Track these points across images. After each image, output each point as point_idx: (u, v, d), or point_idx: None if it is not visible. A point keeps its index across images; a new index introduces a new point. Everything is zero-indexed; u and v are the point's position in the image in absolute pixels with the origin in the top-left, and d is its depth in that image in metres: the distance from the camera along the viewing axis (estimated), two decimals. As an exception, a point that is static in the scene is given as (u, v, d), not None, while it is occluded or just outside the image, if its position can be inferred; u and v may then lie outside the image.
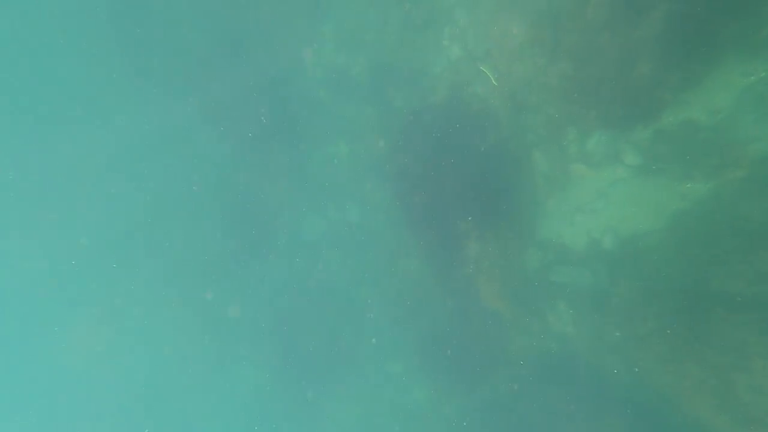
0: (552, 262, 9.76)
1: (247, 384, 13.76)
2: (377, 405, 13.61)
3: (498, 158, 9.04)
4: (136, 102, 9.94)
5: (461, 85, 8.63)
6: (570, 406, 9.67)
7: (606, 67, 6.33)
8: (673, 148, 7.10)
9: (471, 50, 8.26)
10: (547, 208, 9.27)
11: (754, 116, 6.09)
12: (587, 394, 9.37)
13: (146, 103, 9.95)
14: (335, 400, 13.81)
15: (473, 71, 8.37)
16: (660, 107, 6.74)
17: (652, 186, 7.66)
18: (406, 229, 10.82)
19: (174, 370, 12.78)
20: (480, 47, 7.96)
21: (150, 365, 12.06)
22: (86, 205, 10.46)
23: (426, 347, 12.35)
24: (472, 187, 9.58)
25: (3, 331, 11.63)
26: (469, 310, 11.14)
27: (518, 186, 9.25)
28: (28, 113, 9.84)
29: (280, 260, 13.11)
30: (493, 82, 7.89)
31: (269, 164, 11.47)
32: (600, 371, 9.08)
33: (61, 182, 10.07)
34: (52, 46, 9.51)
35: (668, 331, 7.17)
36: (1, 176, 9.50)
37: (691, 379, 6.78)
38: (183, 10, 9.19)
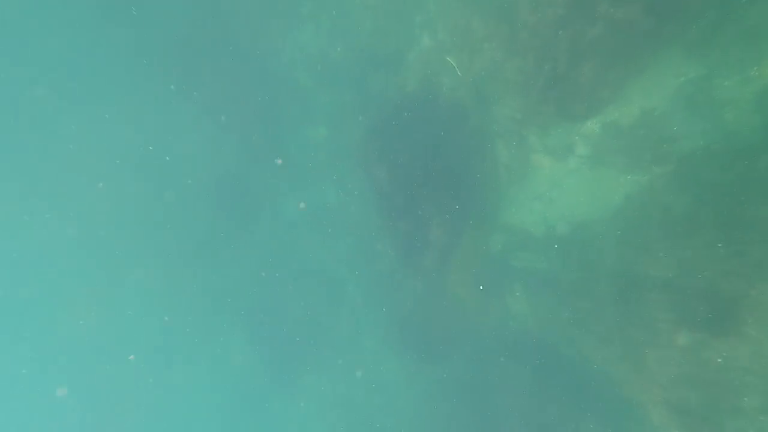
0: (513, 248, 10.41)
1: (228, 358, 14.44)
2: (352, 378, 14.43)
3: (464, 147, 9.54)
4: (117, 83, 10.22)
5: (430, 74, 9.05)
6: (523, 378, 10.50)
7: (555, 64, 6.80)
8: (617, 143, 7.66)
9: (439, 40, 8.66)
10: (509, 195, 9.85)
11: (683, 115, 6.64)
12: (539, 368, 10.19)
13: (128, 84, 10.24)
14: (312, 373, 14.60)
15: (441, 61, 8.78)
16: (604, 104, 7.26)
17: (599, 177, 8.24)
18: (378, 212, 11.37)
19: (157, 344, 13.38)
20: (446, 38, 8.36)
21: (135, 340, 12.68)
22: (67, 191, 10.84)
23: (397, 324, 13.09)
24: (440, 174, 10.09)
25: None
26: (437, 290, 11.82)
27: (483, 174, 9.79)
28: (18, 109, 10.06)
29: (261, 240, 13.64)
30: (458, 73, 8.32)
31: (249, 146, 11.87)
32: (550, 348, 9.86)
33: (42, 172, 10.40)
34: (36, 39, 9.67)
35: (603, 312, 7.88)
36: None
37: (618, 352, 7.53)
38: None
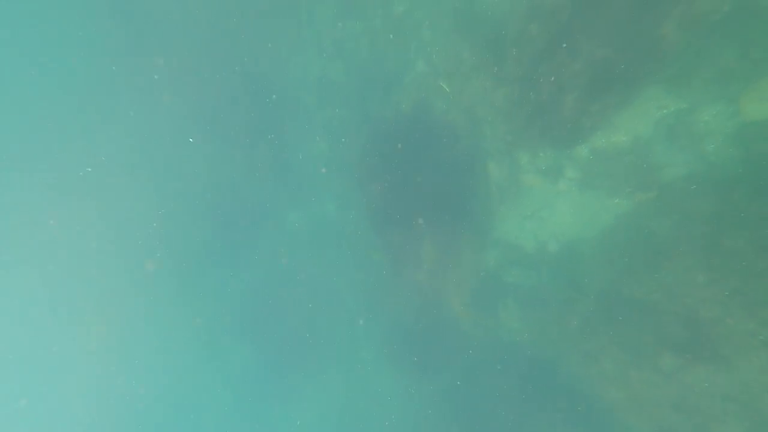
0: (506, 263, 10.67)
1: (234, 367, 14.82)
2: (349, 387, 14.72)
3: (457, 165, 9.84)
4: (127, 103, 10.71)
5: (425, 96, 9.38)
6: (515, 391, 10.73)
7: (540, 95, 7.10)
8: (604, 167, 7.91)
9: (434, 65, 9.00)
10: (501, 213, 10.12)
11: (666, 145, 6.89)
12: (530, 381, 10.41)
13: (137, 104, 10.72)
14: (311, 381, 14.93)
15: (435, 84, 9.11)
16: (591, 130, 7.53)
17: (588, 199, 8.49)
18: (376, 226, 11.70)
19: (165, 356, 13.80)
20: (440, 64, 8.69)
21: (142, 352, 13.11)
22: (77, 207, 11.31)
23: (394, 335, 13.39)
24: (436, 191, 10.39)
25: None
26: (432, 303, 12.10)
27: (476, 192, 10.07)
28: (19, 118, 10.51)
29: (263, 251, 14.04)
30: (451, 97, 8.64)
31: (254, 160, 12.29)
32: (540, 363, 10.08)
33: (52, 183, 10.86)
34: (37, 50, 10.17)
35: (590, 330, 8.11)
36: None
37: (604, 371, 7.76)
38: (172, 14, 9.86)
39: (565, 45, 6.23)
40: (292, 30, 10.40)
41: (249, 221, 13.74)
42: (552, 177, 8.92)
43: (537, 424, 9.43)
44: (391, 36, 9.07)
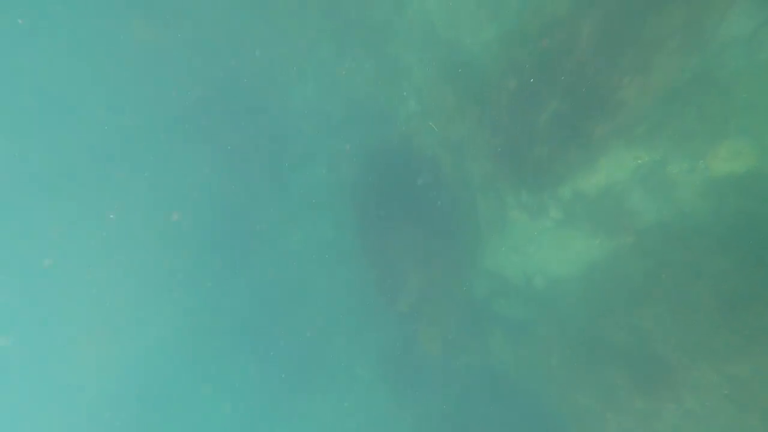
0: (495, 294, 10.90)
1: (230, 384, 15.29)
2: (345, 407, 15.00)
3: (447, 197, 10.18)
4: (135, 134, 11.46)
5: (416, 132, 9.80)
6: (502, 417, 10.88)
7: (519, 140, 7.43)
8: (585, 209, 8.15)
9: (424, 104, 9.43)
10: (490, 245, 10.39)
11: (641, 192, 7.12)
12: (516, 409, 10.56)
13: (145, 131, 11.47)
14: (308, 401, 15.27)
15: (425, 122, 9.53)
16: (570, 175, 7.80)
17: (570, 239, 8.71)
18: (369, 250, 12.09)
19: (161, 369, 14.33)
20: (429, 103, 9.12)
21: (141, 365, 13.68)
22: (84, 222, 12.01)
23: (388, 357, 13.67)
24: (426, 219, 10.75)
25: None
26: (424, 327, 12.36)
27: (465, 223, 10.38)
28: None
29: (264, 269, 14.56)
30: (440, 136, 9.03)
31: (257, 185, 12.90)
32: (526, 391, 10.23)
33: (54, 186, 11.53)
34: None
35: (568, 367, 8.28)
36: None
37: (581, 409, 7.90)
38: (180, 46, 10.60)
39: (537, 99, 6.58)
40: (295, 66, 11.00)
41: (251, 241, 14.30)
42: (536, 215, 9.17)
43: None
44: (385, 76, 9.56)
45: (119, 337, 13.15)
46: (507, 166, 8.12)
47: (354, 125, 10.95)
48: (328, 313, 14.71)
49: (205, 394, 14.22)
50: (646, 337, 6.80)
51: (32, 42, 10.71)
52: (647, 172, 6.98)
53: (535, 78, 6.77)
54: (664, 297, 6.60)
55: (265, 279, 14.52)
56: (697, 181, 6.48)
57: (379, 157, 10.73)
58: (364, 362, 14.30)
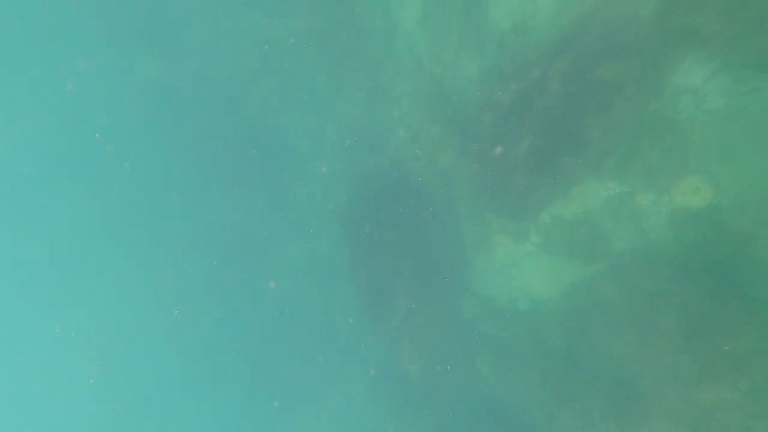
0: (482, 315, 11.18)
1: (225, 396, 15.49)
2: (338, 424, 15.11)
3: (434, 219, 10.61)
4: (143, 151, 12.13)
5: (405, 158, 10.32)
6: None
7: (500, 169, 7.89)
8: (563, 235, 8.53)
9: (413, 132, 9.97)
10: (476, 267, 10.74)
11: (613, 221, 7.51)
12: (500, 427, 10.69)
13: (154, 152, 12.13)
14: (302, 414, 15.39)
15: (414, 148, 10.05)
16: (548, 202, 8.22)
17: (550, 263, 9.06)
18: (362, 271, 12.47)
19: (159, 381, 14.59)
20: (417, 132, 9.66)
21: (140, 374, 13.98)
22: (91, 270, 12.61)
23: (375, 377, 13.85)
24: (414, 239, 11.16)
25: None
26: (414, 348, 12.60)
27: (451, 244, 10.77)
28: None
29: (264, 284, 14.95)
30: (427, 163, 9.52)
31: (257, 203, 13.46)
32: (510, 413, 10.38)
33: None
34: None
35: (548, 389, 8.50)
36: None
37: (559, 428, 8.09)
38: (185, 79, 11.35)
39: (514, 133, 7.07)
40: (293, 92, 11.66)
41: (251, 255, 14.74)
42: (519, 239, 9.55)
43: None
44: (376, 105, 10.15)
45: (116, 348, 13.47)
46: (490, 193, 8.56)
47: (347, 150, 11.51)
48: (320, 331, 14.99)
49: (193, 413, 14.41)
50: (618, 362, 7.07)
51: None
52: (618, 203, 7.39)
53: (511, 113, 7.28)
54: (634, 323, 6.90)
55: (266, 293, 14.89)
56: (663, 213, 6.88)
57: (371, 181, 11.22)
58: (354, 381, 14.47)
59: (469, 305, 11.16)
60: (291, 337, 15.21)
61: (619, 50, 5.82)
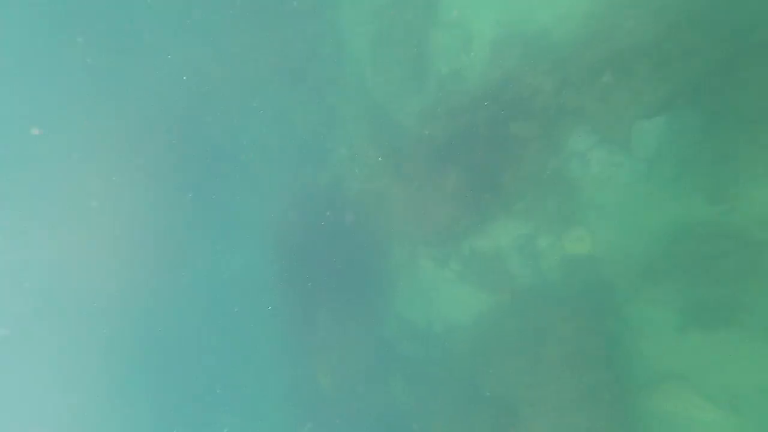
0: (401, 336, 11.56)
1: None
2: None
3: (366, 238, 10.96)
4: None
5: (344, 176, 10.63)
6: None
7: (429, 198, 8.49)
8: (478, 266, 9.29)
9: (353, 152, 10.32)
10: (398, 288, 11.18)
11: (518, 258, 8.38)
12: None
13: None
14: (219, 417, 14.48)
15: (354, 168, 10.40)
16: (467, 234, 8.95)
17: (463, 290, 9.76)
18: (288, 284, 12.41)
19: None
20: (357, 153, 10.03)
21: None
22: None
23: (292, 391, 13.61)
24: (344, 261, 11.39)
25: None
26: (330, 363, 12.57)
27: (379, 265, 11.15)
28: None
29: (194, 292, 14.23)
30: (364, 182, 9.90)
31: (191, 209, 13.06)
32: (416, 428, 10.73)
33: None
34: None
35: (459, 415, 8.99)
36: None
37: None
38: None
39: (442, 168, 7.71)
40: (242, 98, 11.52)
41: (181, 266, 14.05)
42: (441, 264, 10.19)
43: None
44: (322, 123, 10.39)
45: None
46: (419, 218, 9.10)
47: (289, 162, 11.54)
48: (244, 340, 14.42)
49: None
50: (509, 388, 7.76)
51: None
52: (523, 242, 8.29)
53: (442, 149, 7.92)
54: (525, 353, 7.68)
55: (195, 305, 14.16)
56: (557, 256, 7.86)
57: (309, 195, 11.31)
58: (270, 394, 14.02)
59: (390, 325, 11.50)
60: (207, 340, 14.50)
61: (528, 112, 6.74)
